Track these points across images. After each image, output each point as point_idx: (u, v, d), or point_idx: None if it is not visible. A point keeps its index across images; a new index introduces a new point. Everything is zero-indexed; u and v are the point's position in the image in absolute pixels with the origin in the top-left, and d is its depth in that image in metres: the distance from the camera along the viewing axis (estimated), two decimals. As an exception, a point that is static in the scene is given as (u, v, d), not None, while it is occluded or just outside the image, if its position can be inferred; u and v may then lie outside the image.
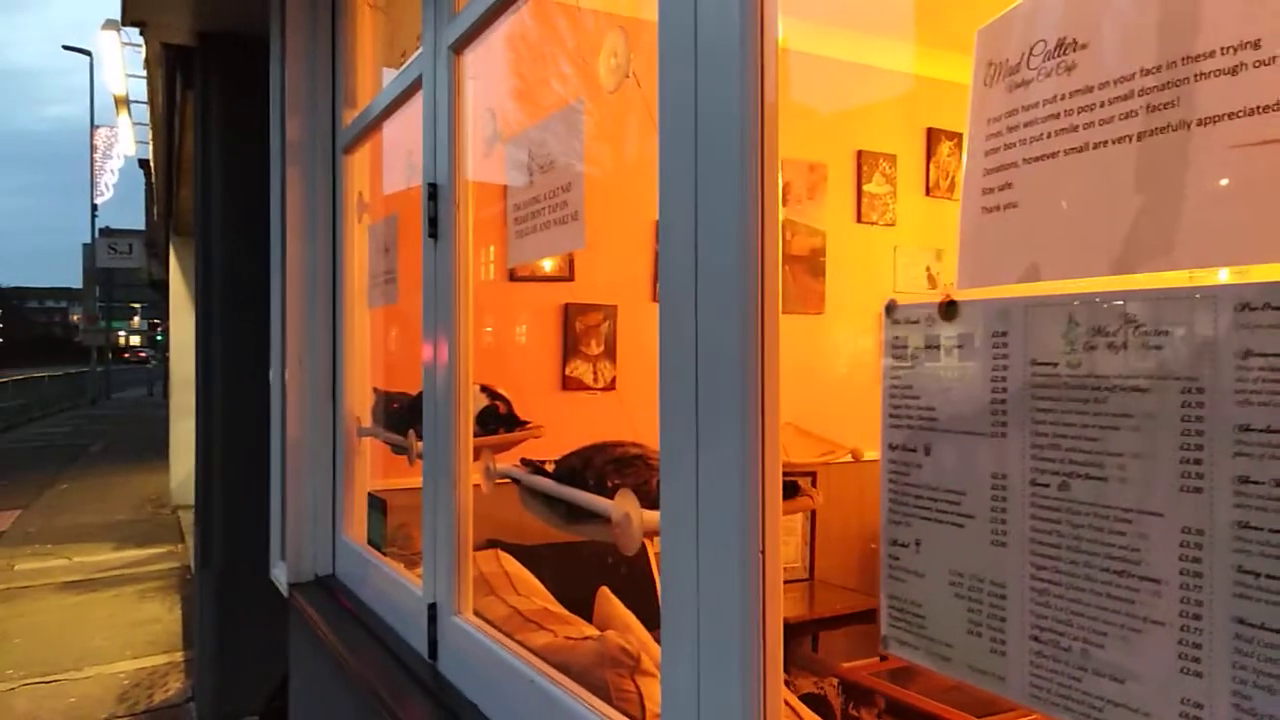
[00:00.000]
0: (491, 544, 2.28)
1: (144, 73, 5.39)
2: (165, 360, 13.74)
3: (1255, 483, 0.59)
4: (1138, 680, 0.67)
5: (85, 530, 8.50)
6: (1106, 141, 0.68)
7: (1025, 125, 0.75)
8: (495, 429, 2.18)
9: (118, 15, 3.62)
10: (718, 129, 1.01)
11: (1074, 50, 0.71)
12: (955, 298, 0.81)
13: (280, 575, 2.87)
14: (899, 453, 0.86)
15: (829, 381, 3.27)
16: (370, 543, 2.56)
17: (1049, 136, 0.72)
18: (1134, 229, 0.66)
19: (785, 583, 1.59)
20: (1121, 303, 0.68)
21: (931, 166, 3.60)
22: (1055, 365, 0.72)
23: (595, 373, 3.20)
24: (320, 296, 2.84)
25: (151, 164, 8.91)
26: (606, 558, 2.11)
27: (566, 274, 3.22)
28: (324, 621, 2.40)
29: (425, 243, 1.98)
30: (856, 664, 2.69)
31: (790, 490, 1.39)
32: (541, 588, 2.19)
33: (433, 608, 1.93)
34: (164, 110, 5.18)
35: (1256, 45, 0.59)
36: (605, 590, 2.07)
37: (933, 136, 3.59)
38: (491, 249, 2.34)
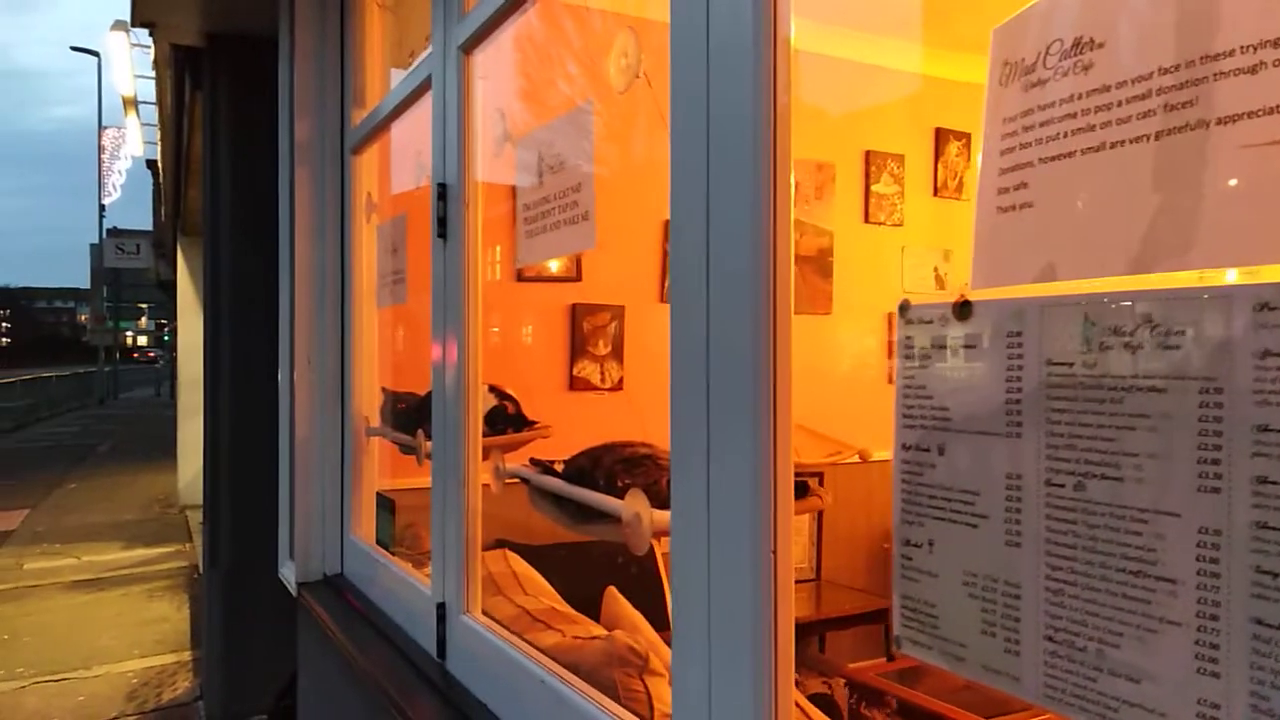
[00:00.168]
0: (499, 544, 2.29)
1: (152, 73, 5.41)
2: (173, 360, 13.79)
3: (1274, 483, 0.59)
4: (1154, 680, 0.67)
5: (93, 530, 8.53)
6: (1124, 141, 0.68)
7: (1041, 125, 0.74)
8: (504, 429, 2.19)
9: (127, 16, 3.63)
10: (730, 128, 1.01)
11: (1091, 49, 0.71)
12: (970, 298, 0.80)
13: (289, 574, 2.88)
14: (912, 453, 0.86)
15: (836, 382, 3.27)
16: (379, 542, 2.57)
17: (1065, 136, 0.72)
18: (1152, 228, 0.66)
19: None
20: (1138, 303, 0.67)
21: (940, 167, 3.59)
22: (1071, 365, 0.72)
23: (602, 373, 3.20)
24: (329, 296, 2.85)
25: (159, 164, 8.95)
26: (613, 558, 2.11)
27: (574, 274, 3.22)
28: (333, 620, 2.41)
29: (434, 243, 1.98)
30: (863, 664, 2.69)
31: (800, 490, 1.39)
32: (549, 587, 2.19)
33: (441, 607, 1.93)
34: (173, 111, 5.19)
35: (1276, 44, 0.59)
36: (613, 590, 2.07)
37: (941, 137, 3.59)
38: (498, 249, 2.34)
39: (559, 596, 2.15)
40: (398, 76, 2.55)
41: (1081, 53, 0.72)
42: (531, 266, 3.02)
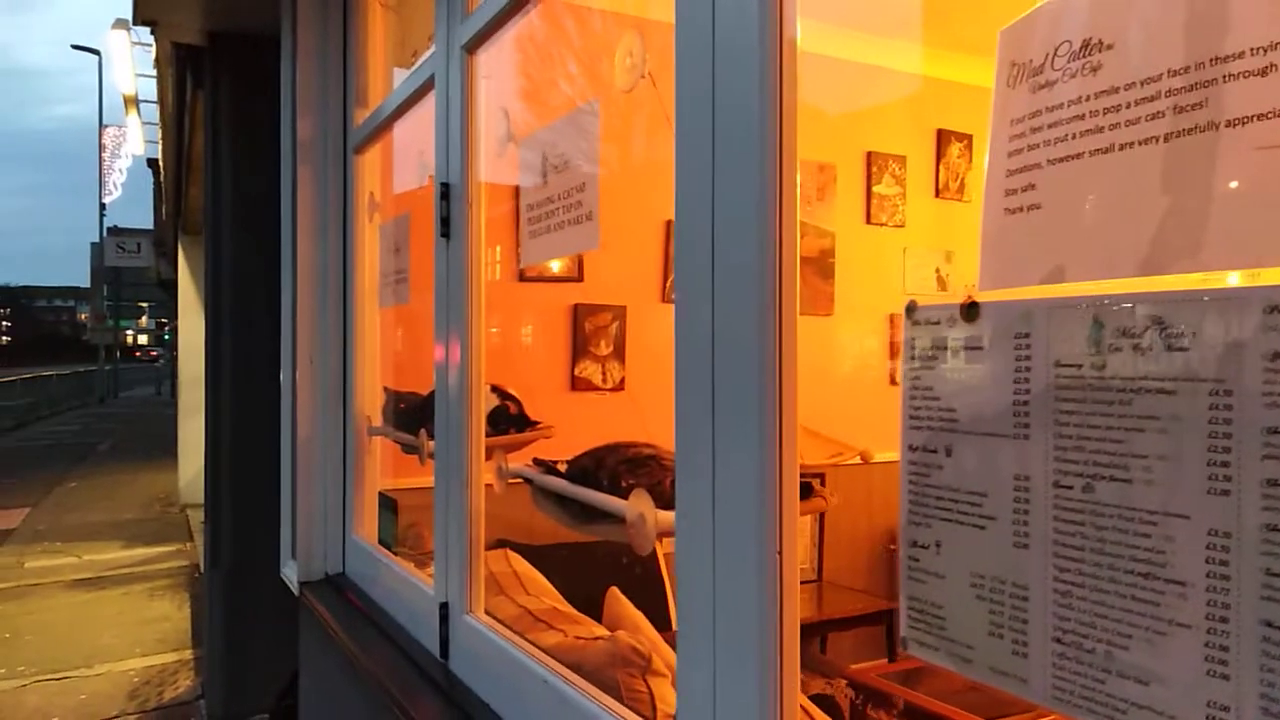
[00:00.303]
0: (500, 544, 2.29)
1: (154, 72, 5.41)
2: (174, 359, 13.79)
3: (1284, 485, 0.59)
4: (1163, 683, 0.67)
5: (94, 528, 8.53)
6: (1133, 142, 0.68)
7: (1049, 126, 0.74)
8: (506, 429, 2.18)
9: (128, 14, 3.63)
10: (736, 126, 1.01)
11: (1099, 51, 0.71)
12: (977, 299, 0.80)
13: (291, 573, 2.88)
14: (919, 454, 0.86)
15: (838, 383, 3.27)
16: (381, 542, 2.57)
17: (1074, 137, 0.72)
18: (1161, 230, 0.66)
19: (798, 584, 1.59)
20: (1147, 305, 0.67)
21: (941, 168, 3.59)
22: (1079, 367, 0.72)
23: (604, 373, 3.20)
24: (331, 296, 2.85)
25: (160, 163, 8.94)
26: (615, 558, 2.11)
27: (575, 275, 3.22)
28: (334, 620, 2.40)
29: (437, 242, 1.98)
30: (865, 665, 2.69)
31: (804, 491, 1.39)
32: (550, 587, 2.19)
33: (444, 607, 1.93)
34: (174, 109, 5.19)
35: (1287, 46, 0.59)
36: (615, 590, 2.07)
37: (943, 138, 3.58)
38: (499, 249, 2.34)
39: (561, 597, 2.15)
40: (400, 76, 2.54)
41: (1090, 54, 0.72)
42: (533, 267, 3.01)
